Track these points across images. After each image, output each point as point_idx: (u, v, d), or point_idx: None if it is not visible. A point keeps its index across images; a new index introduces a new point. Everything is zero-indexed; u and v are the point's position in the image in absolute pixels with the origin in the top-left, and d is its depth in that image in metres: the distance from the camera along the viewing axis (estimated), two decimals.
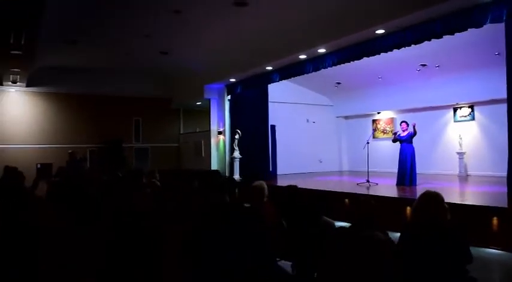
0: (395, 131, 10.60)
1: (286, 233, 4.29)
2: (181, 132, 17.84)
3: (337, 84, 16.05)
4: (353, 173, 16.87)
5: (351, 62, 9.54)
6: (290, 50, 10.08)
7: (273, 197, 5.27)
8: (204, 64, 13.32)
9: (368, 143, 11.09)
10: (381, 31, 8.21)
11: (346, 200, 9.01)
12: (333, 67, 14.22)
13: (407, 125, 10.56)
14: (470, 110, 13.76)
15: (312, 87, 17.31)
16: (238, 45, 11.10)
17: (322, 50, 9.73)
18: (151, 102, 16.84)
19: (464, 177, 13.12)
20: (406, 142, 10.41)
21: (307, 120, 17.42)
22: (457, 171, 13.77)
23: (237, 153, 13.84)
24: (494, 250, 6.39)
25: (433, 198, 3.19)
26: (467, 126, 13.84)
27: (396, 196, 8.24)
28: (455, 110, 14.20)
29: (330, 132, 18.07)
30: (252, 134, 13.62)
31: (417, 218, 3.23)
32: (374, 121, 16.97)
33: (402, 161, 10.40)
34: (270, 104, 16.11)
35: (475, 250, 6.73)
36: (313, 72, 14.97)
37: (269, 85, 15.90)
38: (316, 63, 10.20)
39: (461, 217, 6.89)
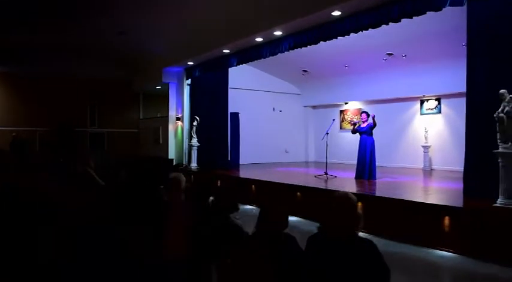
0: (354, 121, 10.04)
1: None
2: (141, 117, 16.97)
3: (304, 72, 15.45)
4: (319, 164, 16.38)
5: (308, 46, 8.95)
6: (246, 32, 9.39)
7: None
8: (163, 46, 12.50)
9: (327, 133, 10.54)
10: (337, 13, 7.61)
11: (298, 194, 8.46)
12: (300, 54, 13.71)
13: (368, 115, 10.04)
14: (437, 102, 13.37)
15: (280, 75, 16.68)
16: (193, 26, 10.33)
17: (278, 33, 9.08)
18: (109, 85, 15.92)
19: (428, 172, 12.76)
20: (365, 134, 9.89)
21: (274, 109, 16.81)
22: (421, 165, 13.41)
23: (194, 141, 13.14)
24: (445, 252, 5.93)
25: (344, 202, 2.58)
26: (434, 119, 13.46)
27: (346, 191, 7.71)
28: (422, 102, 13.79)
29: (297, 121, 17.52)
30: (211, 121, 12.93)
31: (325, 222, 2.63)
32: (341, 111, 16.48)
33: (361, 154, 9.89)
34: (234, 91, 15.44)
35: (425, 252, 6.33)
36: (281, 60, 14.53)
37: (234, 72, 15.34)
38: (273, 47, 9.57)
39: (411, 216, 6.43)
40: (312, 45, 12.29)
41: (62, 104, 15.10)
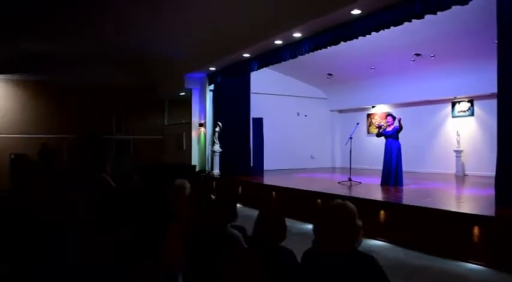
0: (379, 124, 9.61)
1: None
2: (166, 123, 17.05)
3: (329, 76, 15.08)
4: (345, 170, 15.88)
5: (329, 47, 8.61)
6: (265, 35, 9.19)
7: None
8: (184, 52, 12.47)
9: (351, 138, 10.15)
10: (357, 11, 7.28)
11: (319, 201, 8.13)
12: (325, 57, 13.41)
13: (394, 118, 9.58)
14: (469, 104, 12.68)
15: (305, 79, 16.37)
16: (212, 30, 10.23)
17: (297, 34, 8.82)
18: (134, 92, 16.08)
19: (461, 178, 12.09)
20: (391, 138, 9.43)
21: (298, 114, 16.49)
22: (453, 171, 12.74)
23: (217, 147, 13.02)
24: (474, 265, 5.47)
25: (341, 212, 2.31)
26: (466, 122, 12.77)
27: (369, 198, 7.29)
28: (453, 104, 13.13)
29: (323, 126, 17.13)
30: (233, 127, 12.77)
31: (322, 234, 2.36)
32: (369, 115, 15.97)
33: (387, 159, 9.44)
34: (257, 96, 15.25)
35: (452, 264, 5.87)
36: (306, 63, 14.26)
37: (257, 76, 15.17)
38: (293, 50, 9.32)
39: (438, 226, 5.99)
40: (337, 48, 12.15)
41: (89, 111, 15.37)
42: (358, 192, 8.12)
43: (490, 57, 9.92)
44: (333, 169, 16.41)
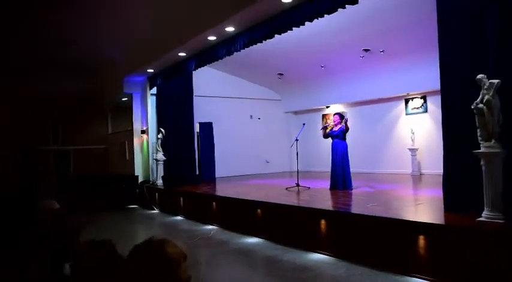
0: (325, 124, 8.90)
1: None
2: (110, 132, 15.88)
3: (279, 76, 14.39)
4: (303, 174, 15.21)
5: (264, 41, 7.87)
6: (197, 30, 8.34)
7: None
8: (118, 54, 11.46)
9: (297, 140, 9.42)
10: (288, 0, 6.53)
11: (259, 211, 7.32)
12: (275, 57, 12.75)
13: (341, 118, 8.91)
14: (422, 101, 12.24)
15: (257, 81, 15.65)
16: (144, 29, 9.32)
17: (230, 29, 8.03)
18: (72, 100, 14.83)
19: (417, 177, 11.58)
20: (337, 138, 8.74)
21: (251, 117, 15.72)
22: (410, 170, 12.24)
23: (160, 155, 12.01)
24: (418, 279, 4.78)
25: (154, 259, 1.45)
26: (420, 119, 12.32)
27: (307, 206, 6.51)
28: (406, 101, 12.67)
29: (278, 129, 16.41)
30: (177, 133, 11.81)
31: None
32: (324, 116, 15.36)
33: (334, 161, 8.74)
34: (206, 99, 14.41)
35: (395, 279, 5.17)
36: (256, 65, 13.54)
37: (206, 78, 14.32)
38: (228, 46, 8.51)
39: (382, 236, 5.27)
40: (286, 47, 11.51)
41: (23, 123, 14.01)
42: (301, 199, 7.35)
43: None
44: (290, 174, 15.66)
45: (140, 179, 12.80)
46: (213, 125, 14.61)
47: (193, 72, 13.85)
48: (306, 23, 6.76)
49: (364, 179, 11.19)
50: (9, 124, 13.72)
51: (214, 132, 14.60)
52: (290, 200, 7.33)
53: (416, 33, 9.77)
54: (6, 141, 13.58)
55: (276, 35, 7.40)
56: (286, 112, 16.56)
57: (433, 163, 11.71)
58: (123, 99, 13.89)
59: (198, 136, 14.32)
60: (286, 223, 6.71)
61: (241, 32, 8.01)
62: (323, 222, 6.02)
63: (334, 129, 8.86)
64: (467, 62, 5.21)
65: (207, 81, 14.46)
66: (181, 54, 9.88)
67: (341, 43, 10.91)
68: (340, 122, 8.87)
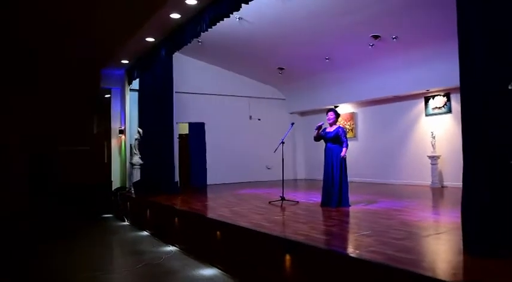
0: (319, 123, 7.08)
1: None
2: (95, 132, 14.50)
3: (280, 71, 12.64)
4: (308, 182, 13.43)
5: (232, 14, 6.18)
6: (155, 4, 6.72)
7: None
8: (88, 41, 9.97)
9: (283, 143, 7.65)
10: None
11: (218, 233, 5.61)
12: (273, 49, 11.06)
13: (337, 115, 7.10)
14: (445, 99, 10.24)
15: (256, 77, 13.95)
16: (103, 8, 7.76)
17: (192, 1, 6.37)
18: (54, 96, 13.50)
19: (437, 190, 9.59)
20: (331, 142, 6.93)
21: (250, 117, 14.02)
22: (429, 181, 10.25)
23: (136, 158, 10.50)
24: None
25: None
26: (443, 120, 10.32)
27: (265, 232, 4.72)
28: (426, 99, 10.67)
29: (281, 131, 14.46)
30: (156, 134, 10.23)
31: None
32: None
33: (326, 171, 6.92)
34: (197, 97, 12.91)
35: None
36: (258, 60, 11.88)
37: (198, 74, 12.82)
38: (195, 24, 6.90)
39: None
40: (284, 38, 9.83)
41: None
42: (273, 220, 5.55)
43: None
44: (294, 182, 13.88)
45: (117, 185, 11.30)
46: (206, 126, 13.04)
47: (185, 67, 12.46)
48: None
49: (372, 191, 9.32)
50: None
51: (206, 134, 13.03)
52: (258, 220, 5.58)
53: (438, 12, 7.83)
54: None
55: (243, 5, 5.68)
56: (291, 113, 14.78)
57: (458, 174, 9.65)
58: (106, 95, 12.45)
59: (183, 138, 12.74)
60: (247, 253, 4.98)
61: (205, 7, 6.36)
62: (288, 258, 4.25)
63: (327, 129, 7.05)
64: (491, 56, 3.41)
65: (199, 77, 12.93)
66: (149, 39, 8.33)
67: (345, 28, 9.11)
68: (336, 121, 7.06)
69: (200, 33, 6.90)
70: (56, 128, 13.47)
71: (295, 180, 14.46)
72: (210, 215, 6.17)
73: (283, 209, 6.87)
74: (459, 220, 3.63)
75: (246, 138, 13.71)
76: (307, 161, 14.56)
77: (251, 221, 5.40)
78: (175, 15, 6.95)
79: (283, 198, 7.41)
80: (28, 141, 12.74)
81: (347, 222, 5.50)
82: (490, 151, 3.39)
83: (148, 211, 8.45)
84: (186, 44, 7.72)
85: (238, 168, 13.48)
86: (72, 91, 12.69)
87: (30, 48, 10.04)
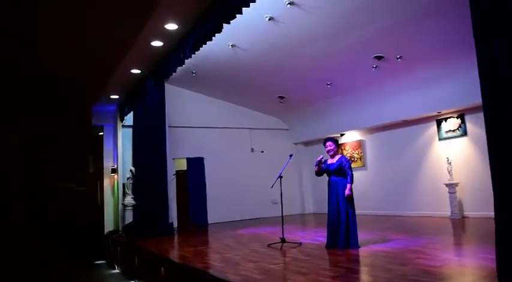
0: (319, 157, 6.32)
1: None
2: (91, 171, 13.88)
3: (281, 100, 12.02)
4: (316, 217, 12.50)
5: (214, 36, 5.61)
6: (136, 32, 6.19)
7: None
8: (80, 79, 9.51)
9: (281, 177, 6.90)
10: None
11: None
12: (273, 78, 10.49)
13: (337, 145, 6.37)
14: (459, 121, 9.43)
15: (257, 107, 13.33)
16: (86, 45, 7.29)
17: (171, 26, 5.83)
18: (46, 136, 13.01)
19: (458, 222, 8.63)
20: (335, 175, 6.15)
21: (252, 150, 13.30)
22: (448, 212, 9.30)
23: (129, 199, 9.78)
24: None
25: None
26: (458, 144, 9.47)
27: None
28: (439, 122, 9.88)
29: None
30: (148, 172, 9.52)
31: None
32: (339, 146, 12.65)
33: (331, 208, 6.10)
34: (196, 131, 12.27)
35: None
36: (258, 90, 11.32)
37: (196, 107, 12.26)
38: (177, 52, 6.31)
39: None
40: (284, 66, 9.30)
41: None
42: (265, 272, 4.70)
43: None
44: (302, 217, 12.97)
45: (110, 228, 10.54)
46: (205, 160, 12.34)
47: (181, 100, 11.93)
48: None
49: (384, 226, 8.42)
50: None
51: (206, 169, 12.31)
52: (250, 270, 4.74)
53: (447, 25, 7.17)
54: None
55: (224, 25, 5.10)
56: (296, 143, 14.04)
57: (479, 202, 8.81)
58: (100, 133, 11.89)
59: (180, 174, 11.99)
60: None
61: (187, 32, 5.81)
62: None
63: (328, 161, 6.29)
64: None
65: (196, 110, 12.35)
66: (135, 70, 7.78)
67: (345, 50, 8.49)
68: (337, 151, 6.31)
69: (184, 61, 6.33)
70: (53, 167, 12.94)
71: (303, 215, 13.54)
72: (197, 264, 5.35)
73: (283, 253, 6.02)
74: (491, 263, 2.80)
75: (249, 172, 12.93)
76: (315, 193, 13.66)
77: (241, 273, 4.57)
78: (157, 43, 6.40)
79: (283, 240, 6.57)
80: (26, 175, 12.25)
81: (356, 272, 4.63)
82: None
83: (136, 258, 7.63)
84: (171, 74, 7.16)
85: (241, 204, 12.64)
86: (66, 129, 12.18)
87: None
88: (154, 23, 5.67)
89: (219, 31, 5.26)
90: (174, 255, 6.38)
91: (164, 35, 6.09)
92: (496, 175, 2.88)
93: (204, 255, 6.32)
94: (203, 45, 5.89)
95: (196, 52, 6.07)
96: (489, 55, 3.08)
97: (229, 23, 5.08)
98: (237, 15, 4.90)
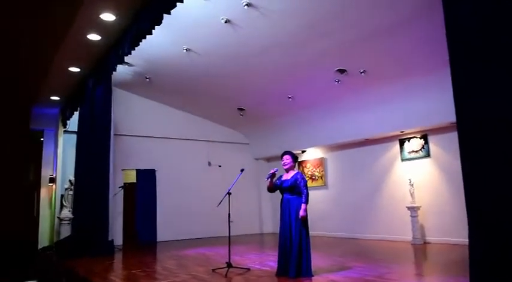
0: (272, 170, 5.68)
1: None
2: (30, 179, 12.65)
3: (241, 112, 11.40)
4: (275, 237, 11.79)
5: (154, 29, 4.93)
6: (67, 21, 5.41)
7: None
8: (13, 77, 8.53)
9: (229, 194, 6.21)
10: None
11: None
12: (231, 88, 9.87)
13: (294, 159, 5.76)
14: (422, 141, 9.08)
15: (215, 119, 12.64)
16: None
17: (108, 17, 5.11)
18: None
19: (419, 248, 8.15)
20: (288, 192, 5.50)
21: (209, 164, 12.54)
22: (409, 237, 8.84)
23: (66, 212, 8.81)
24: None
25: None
26: (421, 166, 9.09)
27: None
28: (401, 142, 9.50)
29: (246, 179, 13.08)
30: (88, 183, 8.57)
31: None
32: (300, 163, 12.15)
33: (283, 229, 5.44)
34: (148, 141, 11.41)
35: None
36: (219, 102, 10.65)
37: (149, 116, 11.40)
38: (116, 47, 5.57)
39: None
40: (244, 78, 8.70)
41: None
42: None
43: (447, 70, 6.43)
44: (260, 236, 12.25)
45: (44, 244, 9.44)
46: (157, 173, 11.48)
47: (133, 107, 11.10)
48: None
49: (343, 251, 7.84)
50: None
51: (157, 183, 11.43)
52: None
53: (411, 40, 6.81)
54: None
55: (164, 15, 4.43)
56: (257, 158, 13.41)
57: (442, 227, 8.42)
58: (41, 138, 10.82)
59: (127, 187, 11.04)
60: None
61: (125, 24, 5.12)
62: None
63: (283, 177, 5.65)
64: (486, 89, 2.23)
65: (149, 118, 11.53)
66: (73, 68, 6.95)
67: (307, 61, 7.99)
68: (293, 166, 5.69)
69: (123, 58, 5.61)
70: None
71: (261, 234, 12.81)
72: None
73: (227, 280, 5.28)
74: None
75: (204, 187, 12.13)
76: (275, 212, 12.98)
77: None
78: (93, 37, 5.64)
79: (229, 265, 5.84)
80: None
81: None
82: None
83: (63, 280, 6.67)
84: (111, 72, 6.41)
85: (195, 221, 11.79)
86: (2, 133, 11.01)
87: None
88: (87, 11, 4.93)
89: (159, 23, 4.59)
90: (100, 279, 5.49)
91: (101, 26, 5.36)
92: (471, 199, 2.30)
93: (133, 281, 5.48)
94: (142, 40, 5.22)
95: (135, 48, 5.35)
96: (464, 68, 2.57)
97: (169, 13, 4.43)
98: (178, 5, 4.25)
